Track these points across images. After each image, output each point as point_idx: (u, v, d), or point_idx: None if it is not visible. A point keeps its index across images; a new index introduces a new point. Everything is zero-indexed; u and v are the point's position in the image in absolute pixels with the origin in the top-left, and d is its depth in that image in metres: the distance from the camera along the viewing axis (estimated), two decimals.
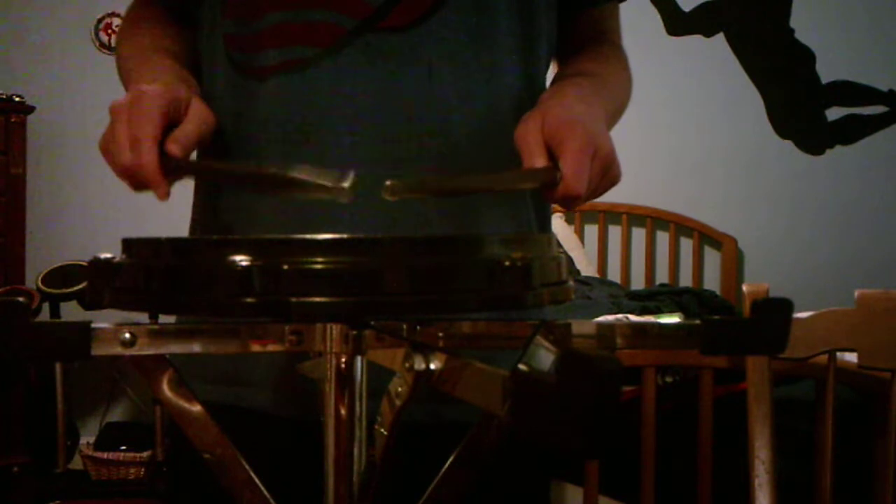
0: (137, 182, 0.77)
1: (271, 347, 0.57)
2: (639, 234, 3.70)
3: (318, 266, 0.51)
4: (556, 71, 1.01)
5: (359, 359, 0.57)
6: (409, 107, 0.87)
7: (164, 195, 0.77)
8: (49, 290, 3.06)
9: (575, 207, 0.82)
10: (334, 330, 0.56)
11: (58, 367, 3.09)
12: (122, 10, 1.02)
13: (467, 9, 0.89)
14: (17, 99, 3.25)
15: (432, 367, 0.51)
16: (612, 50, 1.03)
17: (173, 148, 0.77)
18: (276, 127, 0.89)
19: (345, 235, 0.53)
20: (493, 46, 0.91)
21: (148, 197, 0.79)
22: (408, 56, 0.87)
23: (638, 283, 3.62)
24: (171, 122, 0.79)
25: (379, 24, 0.87)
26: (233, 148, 0.92)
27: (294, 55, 0.88)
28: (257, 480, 0.61)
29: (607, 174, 0.81)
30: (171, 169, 0.77)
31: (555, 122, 0.79)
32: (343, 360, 0.56)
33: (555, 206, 0.94)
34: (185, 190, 0.96)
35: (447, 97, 0.88)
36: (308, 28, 0.88)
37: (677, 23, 3.68)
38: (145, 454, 3.20)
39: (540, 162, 0.77)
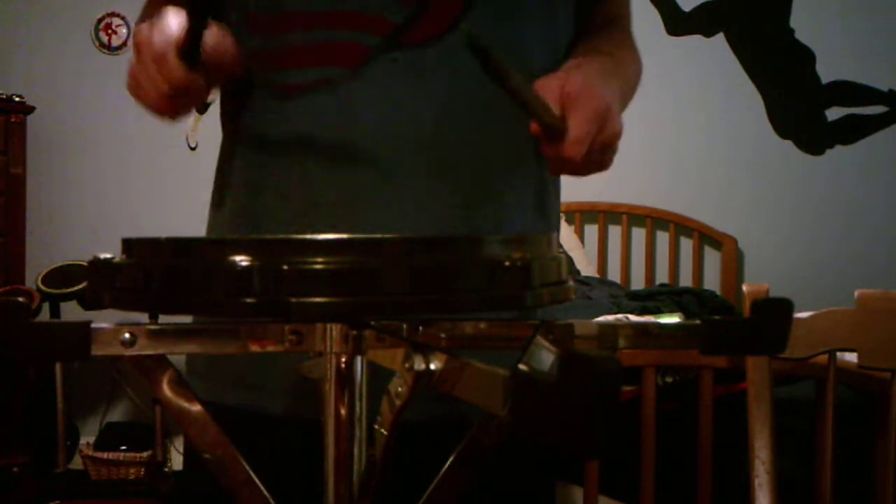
0: (163, 81, 0.79)
1: (271, 348, 0.57)
2: (639, 234, 3.69)
3: (318, 266, 0.51)
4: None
5: (359, 359, 0.57)
6: (435, 119, 0.87)
7: (180, 74, 0.78)
8: (49, 290, 3.05)
9: (561, 172, 0.83)
10: (334, 330, 0.56)
11: (58, 367, 3.09)
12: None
13: (490, 20, 0.89)
14: (17, 99, 3.25)
15: (432, 367, 0.50)
16: (624, 34, 1.04)
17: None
18: (304, 144, 0.88)
19: (345, 235, 0.53)
20: (519, 52, 0.90)
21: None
22: (434, 69, 0.87)
23: (638, 283, 3.62)
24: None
25: (402, 40, 0.87)
26: (254, 164, 0.92)
27: (321, 75, 0.88)
28: (257, 480, 0.60)
29: (605, 154, 0.82)
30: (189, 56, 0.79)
31: (575, 85, 0.81)
32: (343, 360, 0.56)
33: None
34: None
35: (472, 108, 0.88)
36: (333, 48, 0.88)
37: (677, 23, 3.68)
38: (145, 454, 3.20)
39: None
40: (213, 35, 0.83)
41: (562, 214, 3.78)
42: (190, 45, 0.79)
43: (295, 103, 0.89)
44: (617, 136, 0.82)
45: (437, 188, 0.87)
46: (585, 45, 0.99)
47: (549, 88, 0.81)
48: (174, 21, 0.79)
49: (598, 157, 0.81)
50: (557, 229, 0.98)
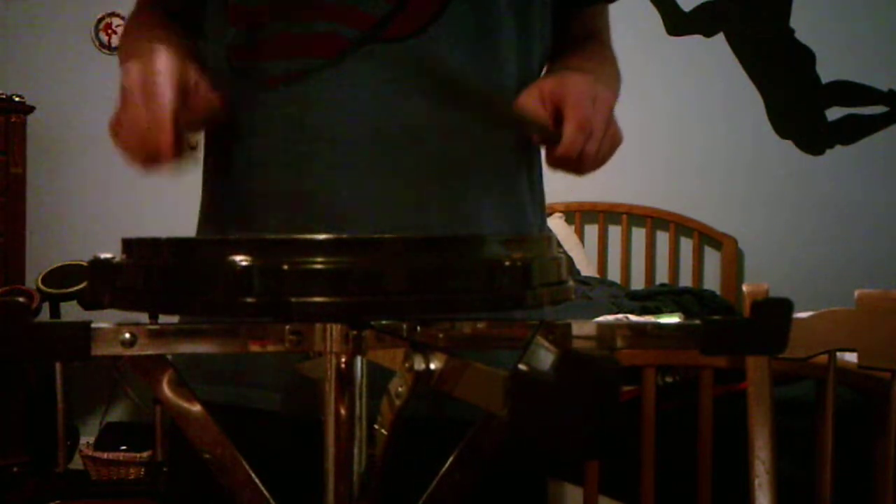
0: (149, 156, 0.78)
1: (271, 347, 0.57)
2: (639, 234, 3.69)
3: (318, 266, 0.51)
4: (545, 70, 1.02)
5: (359, 359, 0.57)
6: (410, 113, 0.88)
7: (170, 146, 0.77)
8: (49, 290, 3.05)
9: (580, 169, 0.84)
10: (334, 330, 0.56)
11: (58, 367, 3.09)
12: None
13: (467, 16, 0.90)
14: (17, 99, 3.25)
15: (432, 367, 0.51)
16: (600, 48, 1.05)
17: (182, 114, 0.79)
18: (281, 135, 0.89)
19: (344, 235, 0.53)
20: (493, 51, 0.91)
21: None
22: (409, 64, 0.88)
23: (638, 283, 3.62)
24: (181, 88, 0.80)
25: (381, 35, 0.88)
26: (236, 155, 0.92)
27: (298, 66, 0.88)
28: (257, 480, 0.61)
29: (610, 126, 0.84)
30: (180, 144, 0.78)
31: (552, 82, 0.85)
32: (343, 360, 0.56)
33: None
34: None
35: (448, 103, 0.89)
36: (311, 39, 0.88)
37: (677, 23, 3.68)
38: (145, 454, 3.20)
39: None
40: (202, 96, 0.83)
41: (561, 214, 3.74)
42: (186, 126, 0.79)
43: (271, 94, 0.89)
44: (611, 100, 0.85)
45: (407, 181, 0.88)
46: (561, 61, 1.00)
47: (528, 101, 0.85)
48: (167, 81, 0.77)
49: (606, 129, 0.83)
50: (538, 227, 0.99)
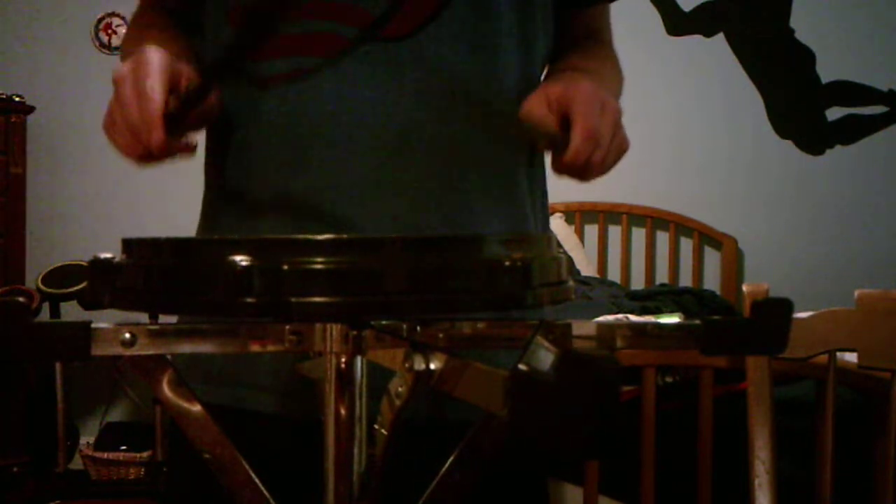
0: (141, 143, 0.78)
1: (271, 347, 0.57)
2: (639, 234, 3.70)
3: (318, 266, 0.51)
4: (547, 70, 1.02)
5: (359, 359, 0.57)
6: (409, 113, 0.87)
7: (162, 144, 0.77)
8: (49, 290, 3.05)
9: (585, 176, 0.84)
10: (334, 330, 0.56)
11: (58, 367, 3.09)
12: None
13: (466, 15, 0.89)
14: (17, 99, 3.25)
15: (432, 367, 0.51)
16: (602, 48, 1.05)
17: (172, 101, 0.79)
18: (278, 134, 0.89)
19: (345, 235, 0.53)
20: (493, 50, 0.91)
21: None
22: (408, 64, 0.88)
23: (638, 283, 3.62)
24: (171, 88, 0.80)
25: (379, 34, 0.88)
26: (234, 155, 0.92)
27: (296, 65, 0.88)
28: (257, 480, 0.61)
29: (617, 134, 0.83)
30: (172, 123, 0.78)
31: (559, 88, 0.84)
32: (343, 360, 0.56)
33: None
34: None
35: (447, 103, 0.89)
36: (310, 38, 0.88)
37: (677, 23, 3.68)
38: (145, 454, 3.20)
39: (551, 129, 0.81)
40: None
41: (562, 214, 3.74)
42: (177, 114, 0.78)
43: (269, 93, 0.90)
44: (618, 108, 0.84)
45: (406, 181, 0.88)
46: (564, 61, 1.00)
47: (534, 108, 0.84)
48: (157, 79, 0.78)
49: (613, 137, 0.83)
50: (539, 228, 0.99)
